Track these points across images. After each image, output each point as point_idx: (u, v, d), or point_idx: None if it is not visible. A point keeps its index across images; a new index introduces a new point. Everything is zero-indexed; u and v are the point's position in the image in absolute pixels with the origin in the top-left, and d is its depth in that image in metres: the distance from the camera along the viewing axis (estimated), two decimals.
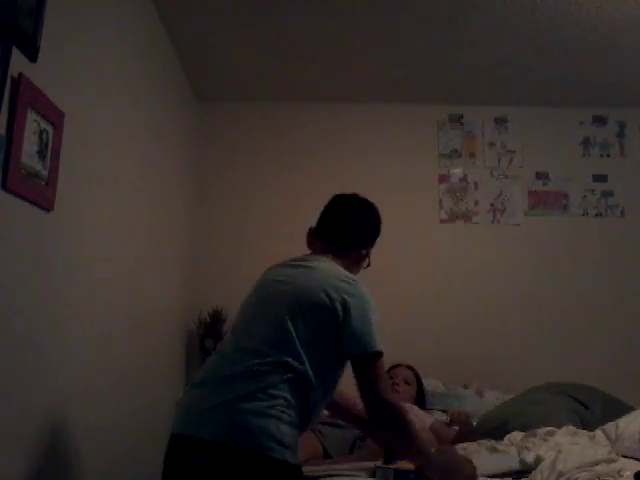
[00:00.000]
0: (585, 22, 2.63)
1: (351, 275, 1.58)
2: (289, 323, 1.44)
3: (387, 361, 2.83)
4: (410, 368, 2.89)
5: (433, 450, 1.53)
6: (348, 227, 1.72)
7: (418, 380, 2.89)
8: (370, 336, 1.47)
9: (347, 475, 1.69)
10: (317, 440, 2.26)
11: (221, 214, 3.44)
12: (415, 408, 2.67)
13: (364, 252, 1.73)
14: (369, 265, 1.78)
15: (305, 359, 1.41)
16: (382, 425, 1.48)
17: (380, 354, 1.47)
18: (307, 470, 1.79)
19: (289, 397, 1.37)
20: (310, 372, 1.41)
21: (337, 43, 2.87)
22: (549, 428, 2.02)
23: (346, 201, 1.79)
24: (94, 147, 1.88)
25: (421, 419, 2.50)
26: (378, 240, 3.40)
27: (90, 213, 1.86)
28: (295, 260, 1.65)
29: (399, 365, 2.88)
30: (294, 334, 1.43)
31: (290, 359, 1.40)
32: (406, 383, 2.81)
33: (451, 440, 2.32)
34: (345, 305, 1.47)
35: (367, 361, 1.46)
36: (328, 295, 1.48)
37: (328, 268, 1.58)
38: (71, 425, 1.71)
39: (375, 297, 3.59)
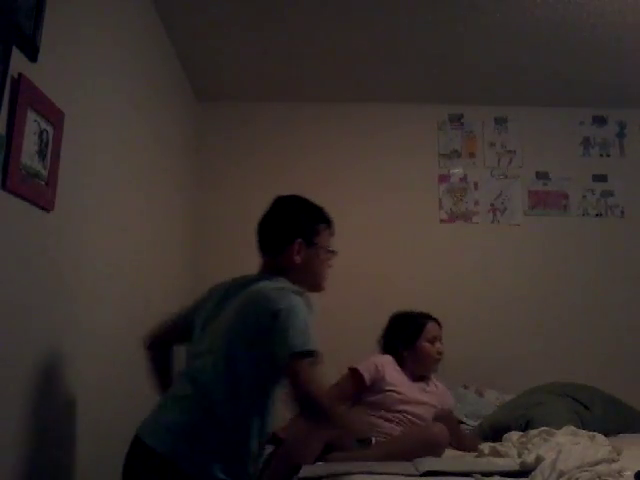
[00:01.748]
0: (585, 22, 2.63)
1: (273, 288, 1.51)
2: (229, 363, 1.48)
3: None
4: (437, 321, 2.47)
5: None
6: (264, 233, 1.68)
7: None
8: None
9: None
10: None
11: (221, 213, 3.44)
12: (443, 387, 2.44)
13: (297, 247, 1.60)
14: (332, 253, 1.68)
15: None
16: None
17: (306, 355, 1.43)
18: (309, 470, 1.79)
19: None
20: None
21: (337, 43, 2.87)
22: (549, 428, 2.02)
23: (265, 211, 1.72)
24: (94, 147, 1.88)
25: (445, 397, 2.39)
26: (376, 236, 3.35)
27: (90, 213, 1.86)
28: (230, 290, 1.63)
29: (429, 319, 2.44)
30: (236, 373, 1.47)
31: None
32: (441, 344, 2.42)
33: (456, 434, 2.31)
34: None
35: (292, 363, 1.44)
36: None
37: (253, 293, 1.54)
38: (68, 428, 1.71)
39: (375, 297, 3.52)
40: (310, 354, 1.41)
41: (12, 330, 1.39)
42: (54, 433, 1.61)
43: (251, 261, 3.60)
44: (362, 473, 1.68)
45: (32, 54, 1.41)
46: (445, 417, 2.34)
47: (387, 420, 2.20)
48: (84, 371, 1.80)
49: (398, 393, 2.24)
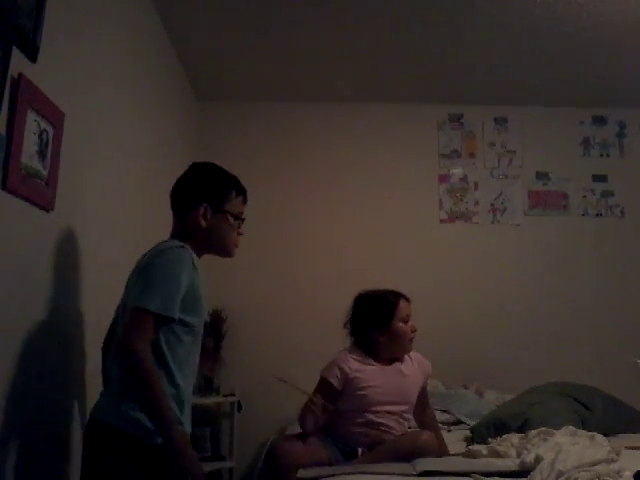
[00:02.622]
0: (585, 22, 2.63)
1: (163, 246, 1.53)
2: None
3: None
4: (406, 298, 2.28)
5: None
6: (174, 196, 1.69)
7: None
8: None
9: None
10: (324, 449, 2.02)
11: None
12: (418, 355, 2.31)
13: (202, 211, 1.61)
14: (240, 220, 1.70)
15: None
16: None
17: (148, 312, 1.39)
18: (307, 470, 1.80)
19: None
20: None
21: (337, 43, 2.87)
22: (548, 429, 2.02)
23: (180, 175, 1.73)
24: (94, 147, 1.88)
25: (425, 367, 2.27)
26: (376, 236, 3.32)
27: (90, 213, 1.86)
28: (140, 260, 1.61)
29: (400, 298, 2.25)
30: None
31: None
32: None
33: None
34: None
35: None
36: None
37: (146, 256, 1.55)
38: (69, 427, 1.71)
39: None
40: (155, 314, 1.39)
41: (12, 329, 1.39)
42: (51, 428, 1.62)
43: (252, 259, 3.60)
44: (360, 473, 1.68)
45: (32, 54, 1.42)
46: (423, 388, 2.25)
47: (373, 426, 2.07)
48: (81, 370, 1.80)
49: (375, 387, 2.10)
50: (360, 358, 2.16)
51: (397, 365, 2.20)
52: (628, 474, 1.56)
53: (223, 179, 1.69)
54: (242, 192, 1.71)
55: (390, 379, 2.14)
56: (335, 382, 2.09)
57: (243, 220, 1.72)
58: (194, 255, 1.53)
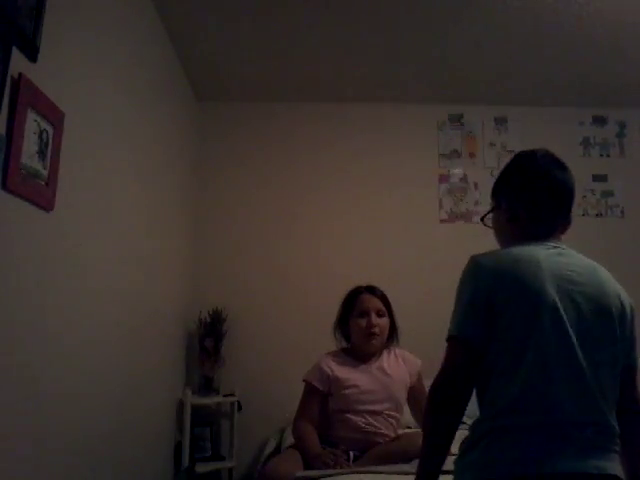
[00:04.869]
0: (585, 22, 2.63)
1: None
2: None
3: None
4: (373, 292, 2.23)
5: None
6: (571, 195, 1.42)
7: (387, 306, 2.25)
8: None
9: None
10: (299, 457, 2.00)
11: (221, 214, 3.45)
12: (405, 353, 2.28)
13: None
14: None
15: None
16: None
17: None
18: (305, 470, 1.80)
19: None
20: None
21: (337, 43, 2.87)
22: None
23: (561, 167, 1.41)
24: (94, 147, 1.88)
25: (411, 364, 2.21)
26: (376, 236, 3.33)
27: (90, 213, 1.86)
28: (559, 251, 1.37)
29: (361, 292, 2.23)
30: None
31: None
32: (379, 316, 2.19)
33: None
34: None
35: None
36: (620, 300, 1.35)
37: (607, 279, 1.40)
38: (69, 428, 1.71)
39: None
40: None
41: (11, 329, 1.39)
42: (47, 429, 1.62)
43: (252, 260, 3.59)
44: (358, 473, 1.68)
45: (32, 54, 1.42)
46: (417, 389, 2.18)
47: (358, 427, 2.04)
48: (83, 370, 1.81)
49: (355, 386, 2.08)
50: (339, 359, 2.19)
51: (376, 362, 2.18)
52: None
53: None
54: None
55: (369, 377, 2.13)
56: (317, 384, 2.12)
57: None
58: None
